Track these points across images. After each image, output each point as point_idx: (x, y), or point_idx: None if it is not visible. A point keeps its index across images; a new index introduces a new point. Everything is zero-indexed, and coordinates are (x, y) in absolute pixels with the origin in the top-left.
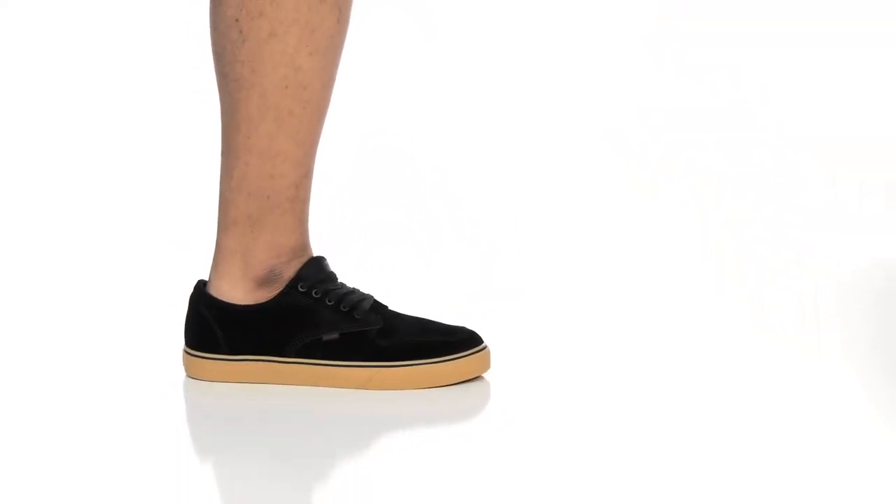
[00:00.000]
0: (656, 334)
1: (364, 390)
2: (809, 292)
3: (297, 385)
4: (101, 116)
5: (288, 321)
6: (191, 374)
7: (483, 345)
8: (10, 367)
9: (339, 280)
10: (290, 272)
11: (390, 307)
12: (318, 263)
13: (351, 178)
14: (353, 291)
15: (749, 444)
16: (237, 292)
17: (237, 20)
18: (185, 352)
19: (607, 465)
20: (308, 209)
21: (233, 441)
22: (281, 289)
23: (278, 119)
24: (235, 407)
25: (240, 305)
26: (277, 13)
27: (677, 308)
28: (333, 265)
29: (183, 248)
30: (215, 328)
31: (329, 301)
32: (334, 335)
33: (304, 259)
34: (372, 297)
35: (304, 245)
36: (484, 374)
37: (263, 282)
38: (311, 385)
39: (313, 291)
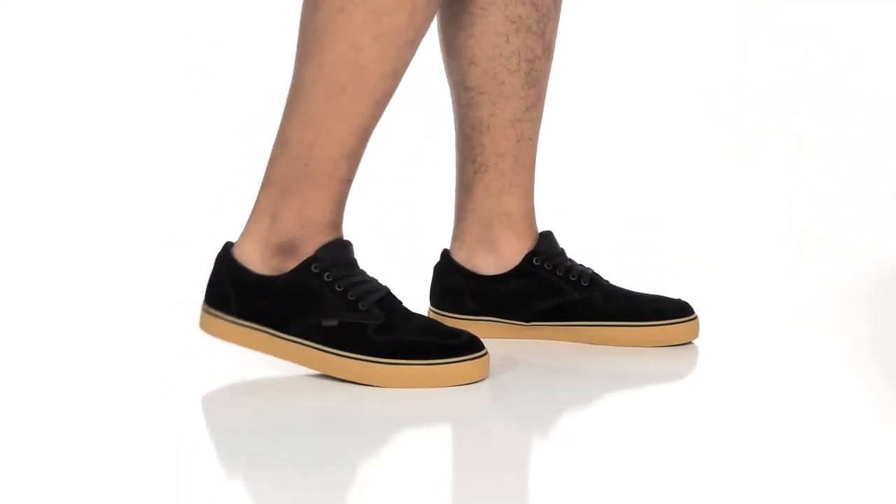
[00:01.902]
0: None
1: (364, 388)
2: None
3: (292, 363)
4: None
5: (294, 300)
6: (201, 328)
7: (483, 351)
8: (10, 362)
9: (360, 268)
10: (310, 248)
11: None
12: (341, 247)
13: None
14: (368, 282)
15: (757, 443)
16: (256, 255)
17: None
18: (203, 306)
19: (608, 465)
20: (346, 191)
21: (234, 441)
22: (297, 264)
23: (329, 91)
24: (237, 407)
25: (254, 274)
26: None
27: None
28: None
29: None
30: (230, 289)
31: (338, 287)
32: (333, 322)
33: (330, 238)
34: (386, 290)
35: (334, 224)
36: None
37: (282, 249)
38: (306, 367)
39: (325, 274)
